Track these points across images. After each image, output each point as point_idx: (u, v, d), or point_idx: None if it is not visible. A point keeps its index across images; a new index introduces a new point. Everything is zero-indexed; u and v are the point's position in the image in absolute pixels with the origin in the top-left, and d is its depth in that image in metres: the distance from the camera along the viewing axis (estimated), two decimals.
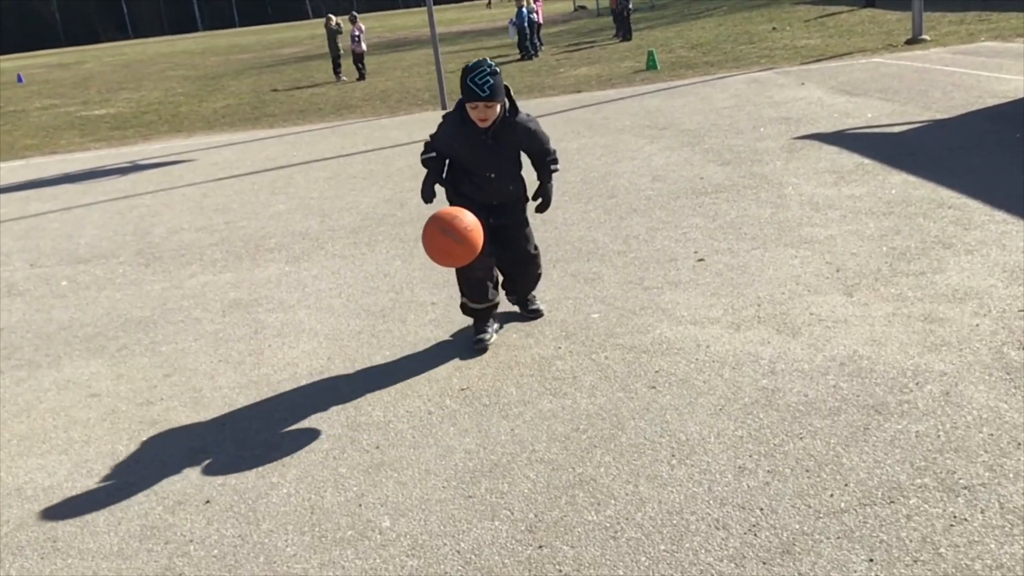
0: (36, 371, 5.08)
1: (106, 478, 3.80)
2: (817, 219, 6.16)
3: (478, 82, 4.23)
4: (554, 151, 4.69)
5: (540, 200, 4.70)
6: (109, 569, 3.16)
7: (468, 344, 4.70)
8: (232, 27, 78.18)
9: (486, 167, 4.49)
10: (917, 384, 3.79)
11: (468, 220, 4.22)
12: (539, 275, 4.96)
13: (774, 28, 21.20)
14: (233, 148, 12.79)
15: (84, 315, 5.97)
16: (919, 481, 3.12)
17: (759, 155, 8.27)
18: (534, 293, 5.04)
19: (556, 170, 4.73)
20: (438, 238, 4.20)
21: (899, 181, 6.85)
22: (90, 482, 3.78)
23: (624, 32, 23.49)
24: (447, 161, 4.60)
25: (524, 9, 21.33)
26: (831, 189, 6.85)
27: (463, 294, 4.69)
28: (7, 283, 6.94)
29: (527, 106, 13.10)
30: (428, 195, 4.56)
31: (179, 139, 14.54)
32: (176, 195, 9.65)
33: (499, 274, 4.79)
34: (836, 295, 4.83)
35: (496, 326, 4.81)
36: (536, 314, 4.98)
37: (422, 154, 4.58)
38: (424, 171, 4.60)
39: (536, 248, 4.86)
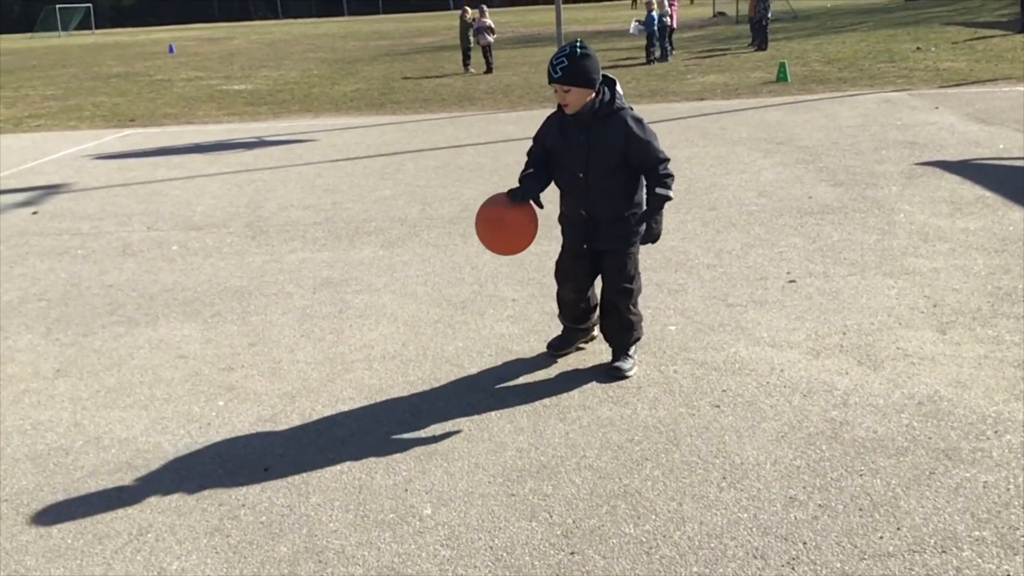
0: (134, 328, 5.36)
1: (178, 436, 3.98)
2: (924, 250, 5.90)
3: (553, 62, 3.94)
4: (666, 163, 4.06)
5: (644, 228, 4.15)
6: (164, 524, 3.32)
7: (541, 344, 4.70)
8: (376, 13, 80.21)
9: (575, 164, 4.07)
10: (996, 432, 3.59)
11: (524, 212, 4.15)
12: (630, 321, 4.28)
13: (918, 48, 20.33)
14: (354, 131, 13.13)
15: (187, 279, 6.26)
16: (977, 534, 2.97)
17: (875, 178, 7.97)
18: (629, 355, 4.35)
19: (668, 192, 4.04)
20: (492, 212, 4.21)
21: (1019, 218, 6.49)
22: (163, 439, 3.97)
23: (760, 41, 22.95)
24: (549, 178, 4.24)
25: (654, 13, 21.11)
26: (945, 220, 6.55)
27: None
28: (124, 243, 7.33)
29: (644, 110, 13.03)
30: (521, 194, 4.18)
31: (306, 119, 15.02)
32: (292, 173, 9.99)
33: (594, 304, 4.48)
34: (928, 331, 4.62)
35: (580, 344, 4.61)
36: (616, 372, 4.27)
37: (522, 172, 4.27)
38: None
39: (630, 285, 4.23)
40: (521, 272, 5.91)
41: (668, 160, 4.08)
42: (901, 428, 3.68)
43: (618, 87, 4.09)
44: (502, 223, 4.16)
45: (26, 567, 3.12)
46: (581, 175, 4.09)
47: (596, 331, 4.61)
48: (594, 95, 4.02)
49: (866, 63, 17.96)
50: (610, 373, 4.31)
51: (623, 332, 4.33)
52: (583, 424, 3.87)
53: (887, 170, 8.27)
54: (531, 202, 4.18)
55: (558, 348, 4.57)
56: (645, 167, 4.07)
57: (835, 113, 11.92)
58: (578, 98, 3.99)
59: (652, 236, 4.14)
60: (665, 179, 4.06)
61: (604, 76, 4.07)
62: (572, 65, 3.92)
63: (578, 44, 3.99)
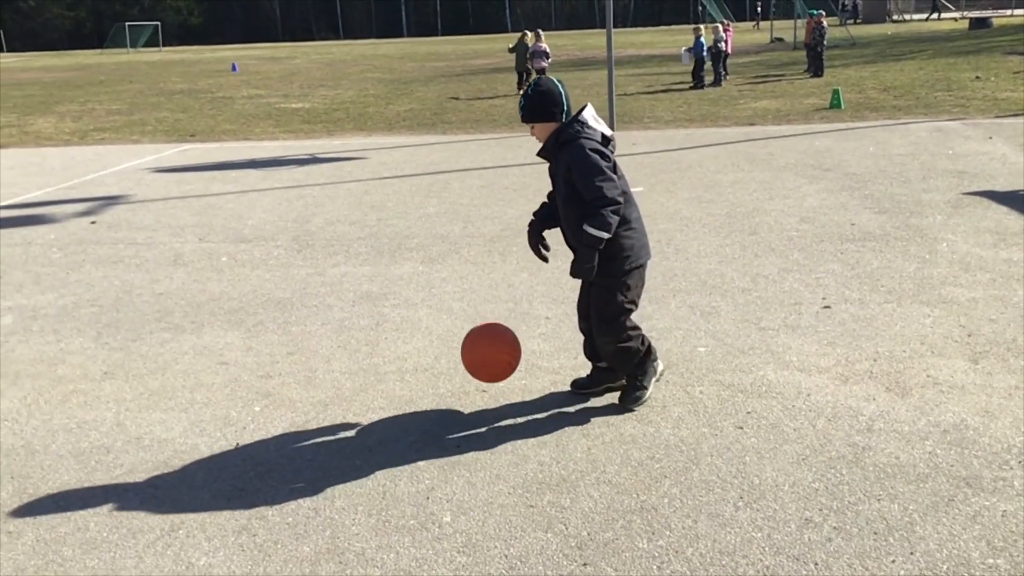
0: (179, 335, 5.55)
1: (214, 439, 4.13)
2: (964, 279, 5.85)
3: (520, 102, 4.11)
4: (601, 200, 3.85)
5: (617, 263, 4.02)
6: (195, 522, 3.45)
7: (570, 360, 4.77)
8: (435, 35, 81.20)
9: (554, 191, 4.18)
10: (1020, 462, 3.57)
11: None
12: (612, 357, 4.15)
13: (977, 77, 20.04)
14: (404, 150, 13.36)
15: (233, 290, 6.46)
16: (991, 561, 2.96)
17: (921, 207, 7.91)
18: (637, 385, 4.23)
19: (591, 231, 3.85)
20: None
21: None
22: (200, 441, 4.12)
23: (815, 68, 22.81)
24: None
25: (702, 39, 21.20)
26: (988, 250, 6.48)
27: None
28: (176, 253, 7.57)
29: (693, 135, 13.08)
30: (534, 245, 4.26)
31: (359, 137, 15.31)
32: (341, 189, 10.21)
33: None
34: (960, 360, 4.60)
35: (597, 392, 4.36)
36: (625, 403, 4.20)
37: None
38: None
39: (610, 322, 4.07)
40: (556, 291, 5.99)
41: (606, 198, 3.86)
42: (924, 455, 3.67)
43: (586, 112, 4.04)
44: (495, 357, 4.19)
45: (63, 557, 3.27)
46: (556, 198, 4.16)
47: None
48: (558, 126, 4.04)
49: (923, 91, 17.75)
50: (624, 405, 4.23)
51: (616, 364, 4.22)
52: (606, 440, 3.93)
53: (933, 199, 8.20)
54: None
55: (581, 388, 4.40)
56: (584, 195, 3.93)
57: (886, 141, 11.82)
58: (542, 132, 4.07)
59: (576, 271, 3.98)
60: (594, 217, 3.86)
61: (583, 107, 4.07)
62: (529, 103, 4.04)
63: (535, 82, 4.12)
